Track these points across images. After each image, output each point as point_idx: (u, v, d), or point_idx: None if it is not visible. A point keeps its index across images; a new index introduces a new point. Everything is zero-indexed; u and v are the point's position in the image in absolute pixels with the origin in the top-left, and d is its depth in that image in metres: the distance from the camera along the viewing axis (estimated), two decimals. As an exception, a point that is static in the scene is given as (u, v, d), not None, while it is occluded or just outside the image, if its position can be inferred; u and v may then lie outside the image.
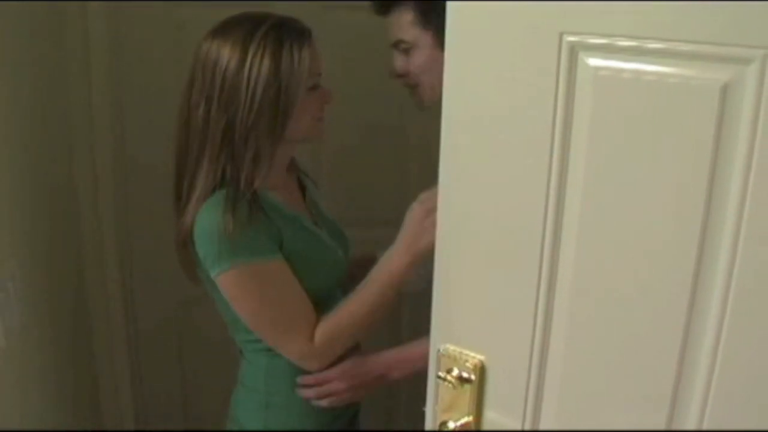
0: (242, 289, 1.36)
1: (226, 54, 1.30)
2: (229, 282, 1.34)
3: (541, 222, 1.02)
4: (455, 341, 1.15)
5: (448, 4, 1.03)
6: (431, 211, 1.35)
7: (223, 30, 1.33)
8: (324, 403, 1.46)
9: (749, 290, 0.89)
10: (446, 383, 1.15)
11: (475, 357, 1.14)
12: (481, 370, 1.14)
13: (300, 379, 1.46)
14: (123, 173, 2.13)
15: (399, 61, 1.49)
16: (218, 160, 1.32)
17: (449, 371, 1.15)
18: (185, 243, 1.36)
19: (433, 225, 1.24)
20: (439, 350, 1.16)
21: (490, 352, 1.13)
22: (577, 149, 0.97)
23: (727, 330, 0.91)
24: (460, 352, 1.15)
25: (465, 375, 1.15)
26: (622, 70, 0.92)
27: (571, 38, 0.94)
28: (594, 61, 0.93)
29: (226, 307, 1.42)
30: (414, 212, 1.40)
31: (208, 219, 1.31)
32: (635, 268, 0.98)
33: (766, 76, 0.83)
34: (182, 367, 2.37)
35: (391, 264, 1.41)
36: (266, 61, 1.29)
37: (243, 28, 1.32)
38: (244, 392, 1.52)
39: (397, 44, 1.46)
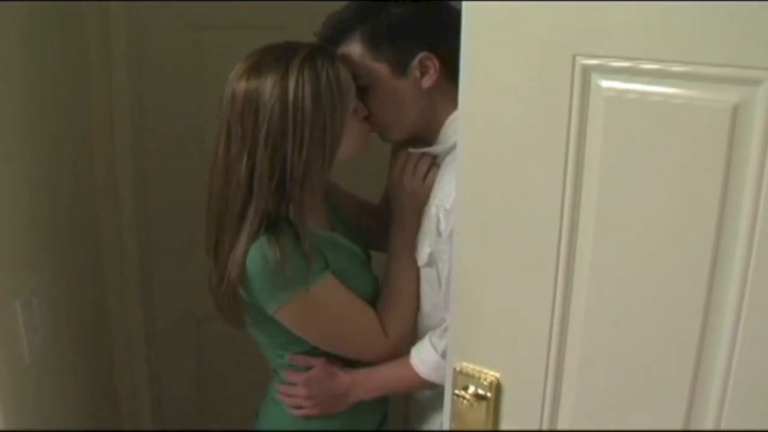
0: (306, 317, 1.38)
1: (265, 96, 1.25)
2: (291, 313, 1.35)
3: (556, 240, 1.04)
4: (471, 359, 1.17)
5: (464, 23, 1.04)
6: (412, 173, 1.41)
7: (254, 71, 1.27)
8: (295, 412, 1.48)
9: (762, 306, 0.90)
10: (463, 400, 1.16)
11: (491, 374, 1.15)
12: (497, 388, 1.15)
13: (285, 374, 1.49)
14: (143, 187, 2.16)
15: (360, 100, 1.39)
16: (267, 202, 1.29)
17: (465, 389, 1.16)
18: (231, 289, 1.33)
19: (419, 182, 1.38)
20: (455, 368, 1.18)
21: (506, 370, 1.14)
22: (591, 170, 0.98)
23: (740, 349, 0.92)
24: (477, 370, 1.16)
25: (481, 392, 1.16)
26: (634, 92, 0.93)
27: (584, 60, 0.95)
28: (607, 83, 0.95)
29: (263, 332, 1.44)
30: (401, 185, 1.44)
31: (258, 259, 1.30)
32: (649, 286, 0.99)
33: (776, 97, 0.84)
34: (199, 374, 2.39)
35: (404, 235, 1.44)
36: (308, 97, 1.25)
37: (276, 67, 1.26)
38: (279, 410, 1.52)
39: (354, 78, 1.35)
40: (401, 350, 1.45)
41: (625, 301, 1.01)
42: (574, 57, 0.96)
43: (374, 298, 1.46)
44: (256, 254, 1.29)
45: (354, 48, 1.37)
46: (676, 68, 0.89)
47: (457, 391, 1.17)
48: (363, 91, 1.38)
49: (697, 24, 0.87)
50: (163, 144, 2.13)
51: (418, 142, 1.45)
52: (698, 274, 0.94)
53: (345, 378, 1.46)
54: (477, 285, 1.15)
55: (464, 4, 1.02)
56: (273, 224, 1.31)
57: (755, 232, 0.88)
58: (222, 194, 1.32)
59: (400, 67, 1.36)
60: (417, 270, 1.44)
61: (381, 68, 1.36)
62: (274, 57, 1.28)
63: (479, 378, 1.15)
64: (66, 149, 1.80)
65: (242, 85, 1.27)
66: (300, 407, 1.48)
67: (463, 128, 1.09)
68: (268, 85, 1.25)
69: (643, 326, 1.00)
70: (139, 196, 2.15)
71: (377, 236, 1.57)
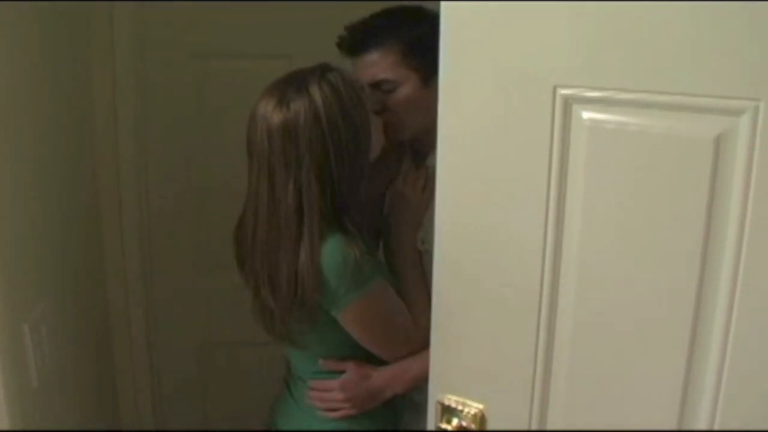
0: (376, 309, 1.43)
1: (300, 125, 1.32)
2: (364, 306, 1.39)
3: (539, 270, 1.03)
4: (454, 391, 1.15)
5: (442, 55, 1.03)
6: (414, 186, 1.50)
7: (281, 106, 1.33)
8: (330, 415, 1.50)
9: (747, 335, 0.91)
10: (447, 434, 1.15)
11: (475, 406, 1.14)
12: (482, 420, 1.13)
13: (312, 383, 1.52)
14: (147, 213, 2.18)
15: (377, 100, 1.49)
16: (320, 219, 1.33)
17: (449, 422, 1.15)
18: (311, 303, 1.36)
19: (419, 192, 1.48)
20: (438, 401, 1.16)
21: (490, 401, 1.13)
22: (573, 201, 0.98)
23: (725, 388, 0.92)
24: (460, 402, 1.15)
25: (465, 425, 1.14)
26: (615, 123, 0.93)
27: (565, 91, 0.95)
28: (588, 114, 0.95)
29: (314, 338, 1.46)
30: (402, 195, 1.52)
31: (336, 257, 1.34)
32: (635, 314, 0.98)
33: (758, 127, 0.85)
34: (203, 396, 2.40)
35: (407, 239, 1.51)
36: (336, 111, 1.33)
37: (299, 96, 1.33)
38: (301, 413, 1.54)
39: (378, 84, 1.45)
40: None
41: (611, 329, 1.01)
42: (555, 88, 0.96)
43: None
44: (335, 252, 1.33)
45: (386, 55, 1.44)
46: (659, 99, 0.90)
47: (440, 425, 1.16)
48: (389, 92, 1.46)
49: (679, 55, 0.87)
50: (167, 170, 2.16)
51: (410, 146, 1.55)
52: (684, 302, 0.94)
53: (379, 376, 1.49)
54: (458, 316, 1.14)
55: (443, 33, 1.02)
56: (348, 231, 1.36)
57: (740, 260, 0.89)
58: (270, 228, 1.36)
59: (429, 78, 1.41)
60: (420, 269, 1.49)
61: (412, 76, 1.44)
62: (293, 87, 1.34)
63: (463, 410, 1.14)
64: (71, 177, 1.82)
65: (275, 123, 1.33)
66: (335, 410, 1.50)
67: (442, 160, 1.08)
68: (299, 114, 1.32)
69: (629, 354, 1.00)
70: (143, 221, 2.17)
71: None
